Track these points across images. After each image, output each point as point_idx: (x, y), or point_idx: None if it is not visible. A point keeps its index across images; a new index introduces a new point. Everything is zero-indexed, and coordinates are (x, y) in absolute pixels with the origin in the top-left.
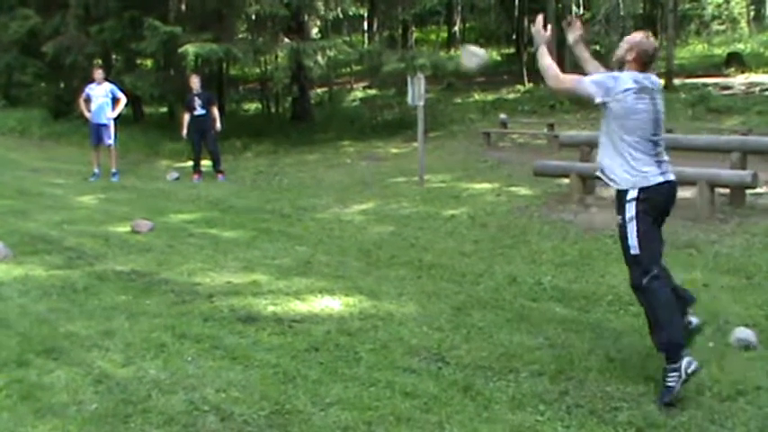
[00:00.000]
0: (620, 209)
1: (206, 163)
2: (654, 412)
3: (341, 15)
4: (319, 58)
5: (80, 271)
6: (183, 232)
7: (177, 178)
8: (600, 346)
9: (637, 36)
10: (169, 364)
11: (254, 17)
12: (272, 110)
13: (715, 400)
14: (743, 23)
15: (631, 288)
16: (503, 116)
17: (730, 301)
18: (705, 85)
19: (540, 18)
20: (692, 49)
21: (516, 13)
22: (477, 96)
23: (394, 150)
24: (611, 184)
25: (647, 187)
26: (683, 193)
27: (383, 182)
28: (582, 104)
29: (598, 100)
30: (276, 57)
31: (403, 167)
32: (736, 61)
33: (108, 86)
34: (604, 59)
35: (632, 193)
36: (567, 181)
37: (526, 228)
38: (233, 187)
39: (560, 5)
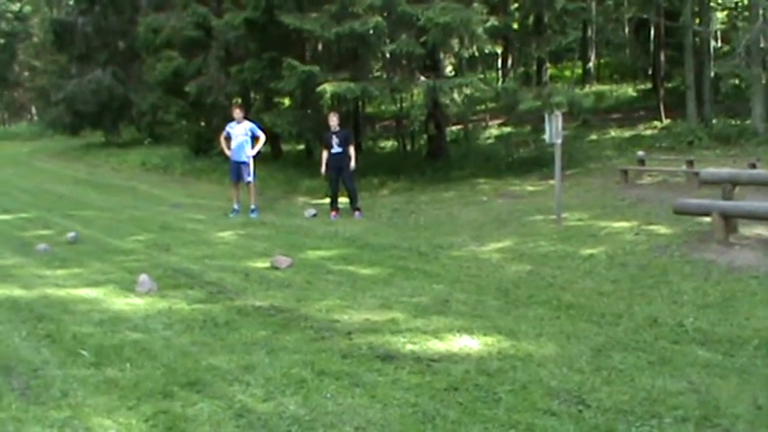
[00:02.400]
0: None
1: (343, 200)
2: None
3: (476, 53)
4: (455, 95)
5: (221, 305)
6: (322, 269)
7: (315, 215)
8: (747, 391)
9: None
10: (309, 400)
11: (389, 55)
12: (408, 147)
13: None
14: None
15: None
16: (640, 153)
17: None
18: None
19: None
20: None
21: (652, 48)
22: (613, 133)
23: (530, 188)
24: None
25: None
26: None
27: (519, 220)
28: (721, 140)
29: None
30: (412, 95)
31: (539, 205)
32: None
33: (248, 125)
34: (744, 93)
35: None
36: (708, 219)
37: (666, 267)
38: (369, 224)
39: (698, 39)
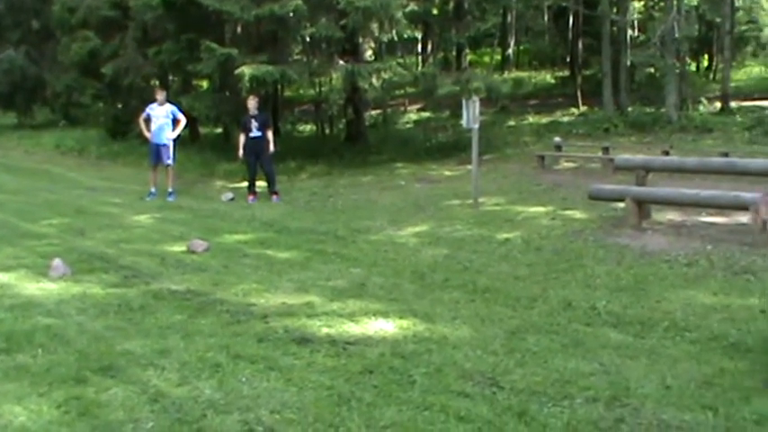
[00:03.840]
0: None
1: (261, 184)
2: None
3: (395, 38)
4: (374, 80)
5: (136, 290)
6: (238, 253)
7: (232, 199)
8: (656, 372)
9: None
10: (224, 384)
11: (308, 39)
12: (327, 132)
13: None
14: None
15: None
16: (557, 139)
17: None
18: (762, 108)
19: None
20: (749, 72)
21: (570, 35)
22: (531, 119)
23: (447, 173)
24: None
25: None
26: (741, 218)
27: (437, 204)
28: (636, 128)
29: None
30: (331, 79)
31: (457, 190)
32: None
33: (169, 107)
34: (658, 82)
35: None
36: (622, 205)
37: (581, 252)
38: (287, 208)
39: (615, 28)
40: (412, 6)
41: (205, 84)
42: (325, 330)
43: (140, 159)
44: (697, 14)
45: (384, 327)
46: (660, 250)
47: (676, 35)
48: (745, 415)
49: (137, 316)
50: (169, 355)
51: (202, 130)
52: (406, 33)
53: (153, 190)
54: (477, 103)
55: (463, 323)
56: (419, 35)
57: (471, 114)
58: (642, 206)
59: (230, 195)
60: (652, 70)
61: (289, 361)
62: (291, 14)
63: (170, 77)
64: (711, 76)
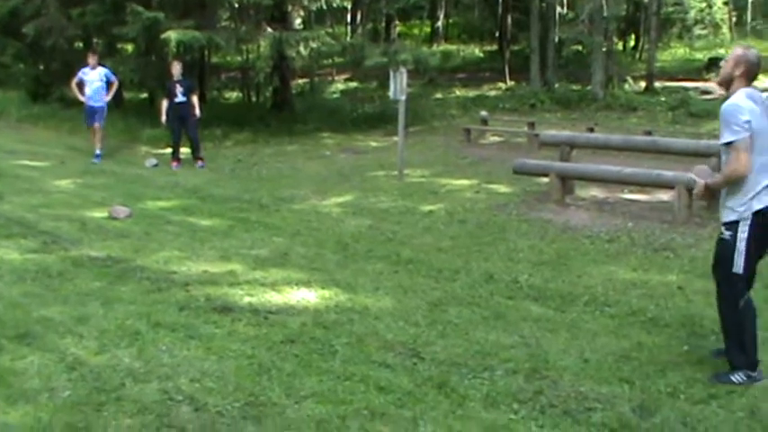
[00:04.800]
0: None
1: (185, 150)
2: (627, 414)
3: (324, 6)
4: (302, 48)
5: (55, 256)
6: (161, 219)
7: (156, 165)
8: (575, 346)
9: (739, 50)
10: (143, 352)
11: (236, 5)
12: (253, 99)
13: (688, 404)
14: (725, 29)
15: (718, 299)
16: (483, 113)
17: (705, 304)
18: (686, 89)
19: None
20: (674, 53)
21: (500, 10)
22: (458, 92)
23: (374, 144)
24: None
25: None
26: (662, 195)
27: (362, 175)
28: (562, 104)
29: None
30: (258, 46)
31: (382, 161)
32: (716, 66)
33: (102, 70)
34: (585, 59)
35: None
36: (546, 180)
37: (504, 225)
38: (212, 176)
39: (544, 4)
40: None
41: (130, 48)
42: (246, 299)
43: (62, 123)
44: None
45: (306, 296)
46: (582, 226)
47: (605, 14)
48: (660, 387)
49: (55, 282)
50: (87, 323)
51: (126, 94)
52: (336, 2)
53: (98, 151)
54: (405, 75)
55: (386, 294)
56: (348, 5)
57: (399, 86)
58: (566, 182)
59: (154, 161)
60: (580, 48)
61: (209, 330)
62: None
63: (95, 40)
64: (637, 56)
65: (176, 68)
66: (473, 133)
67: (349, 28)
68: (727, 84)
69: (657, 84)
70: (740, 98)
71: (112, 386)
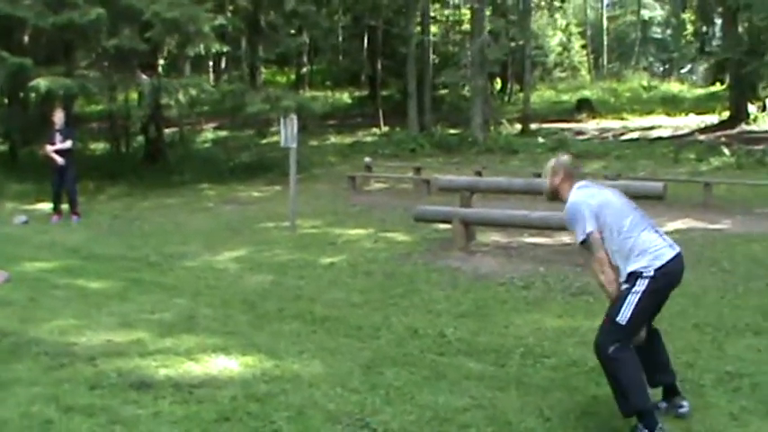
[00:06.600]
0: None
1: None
2: None
3: (203, 53)
4: (180, 96)
5: None
6: (45, 283)
7: (26, 222)
8: (530, 403)
9: (551, 162)
10: None
11: (110, 50)
12: (123, 150)
13: None
14: (583, 71)
15: (595, 347)
16: (367, 159)
17: None
18: (561, 129)
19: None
20: (542, 95)
21: (366, 54)
22: (333, 139)
23: (256, 194)
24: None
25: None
26: (564, 238)
27: (251, 227)
28: (443, 148)
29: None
30: (135, 93)
31: (269, 212)
32: (586, 107)
33: None
34: (461, 104)
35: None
36: (444, 226)
37: (413, 276)
38: (89, 232)
39: (418, 49)
40: (220, 20)
41: None
42: (163, 372)
43: None
44: (507, 37)
45: (228, 365)
46: (493, 272)
47: (490, 57)
48: None
49: None
50: None
51: None
52: (215, 48)
53: None
54: (296, 122)
55: (312, 357)
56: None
57: (289, 133)
58: (469, 228)
59: (23, 218)
60: (460, 91)
61: (131, 411)
62: (91, 24)
63: None
64: (506, 98)
65: (59, 116)
66: (358, 180)
67: (211, 74)
68: (555, 195)
69: (533, 125)
70: (574, 195)
71: None
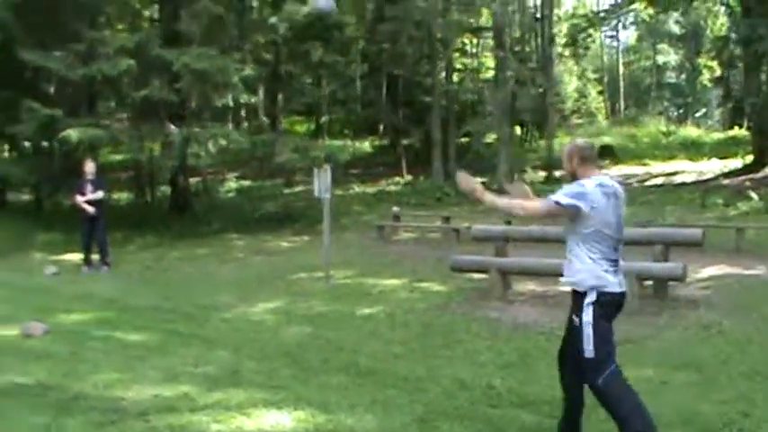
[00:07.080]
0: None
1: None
2: None
3: (231, 104)
4: (210, 145)
5: None
6: (83, 335)
7: (57, 273)
8: None
9: (567, 145)
10: None
11: (139, 101)
12: (149, 200)
13: None
14: (600, 117)
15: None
16: (395, 209)
17: (696, 397)
18: None
19: (460, 175)
20: (560, 141)
21: (385, 103)
22: (357, 188)
23: (285, 244)
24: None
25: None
26: None
27: (284, 278)
28: (468, 197)
29: (586, 210)
30: (161, 144)
31: (300, 262)
32: (608, 154)
33: None
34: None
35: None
36: (479, 276)
37: (453, 326)
38: (121, 283)
39: (444, 101)
40: (248, 71)
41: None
42: (215, 427)
43: None
44: (534, 85)
45: (280, 419)
46: (533, 322)
47: (516, 105)
48: None
49: None
50: None
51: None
52: (243, 98)
53: None
54: (329, 172)
55: (365, 412)
56: (253, 99)
57: (323, 183)
58: (505, 277)
59: (54, 269)
60: (486, 140)
61: None
62: (121, 75)
63: None
64: (527, 144)
65: (90, 166)
66: (386, 230)
67: (230, 124)
68: (574, 178)
69: (557, 173)
70: (588, 183)
71: None
